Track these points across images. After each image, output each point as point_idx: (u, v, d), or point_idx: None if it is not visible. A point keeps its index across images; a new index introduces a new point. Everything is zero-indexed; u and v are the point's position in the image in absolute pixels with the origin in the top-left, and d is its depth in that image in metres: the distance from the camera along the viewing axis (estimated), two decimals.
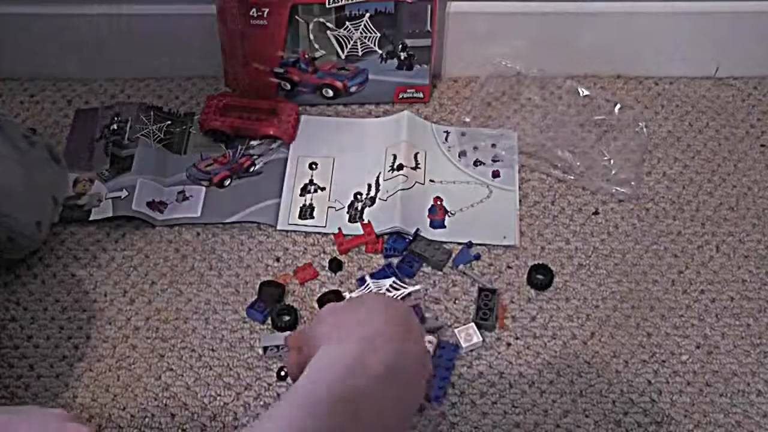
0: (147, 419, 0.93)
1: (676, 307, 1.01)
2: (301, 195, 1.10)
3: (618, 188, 1.10)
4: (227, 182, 1.11)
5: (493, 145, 1.14)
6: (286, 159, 1.13)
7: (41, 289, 1.03)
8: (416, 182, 1.10)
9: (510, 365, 0.97)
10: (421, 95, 1.19)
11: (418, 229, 1.06)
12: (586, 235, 1.07)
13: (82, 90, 1.21)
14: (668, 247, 1.06)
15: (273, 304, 1.00)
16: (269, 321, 1.00)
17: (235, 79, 1.18)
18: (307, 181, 1.12)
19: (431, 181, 1.11)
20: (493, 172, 1.12)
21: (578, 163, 1.11)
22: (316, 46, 1.13)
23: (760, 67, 1.22)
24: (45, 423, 0.69)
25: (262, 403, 0.94)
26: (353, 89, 1.18)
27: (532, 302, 1.02)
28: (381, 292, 0.98)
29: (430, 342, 0.96)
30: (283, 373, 0.96)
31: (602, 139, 1.15)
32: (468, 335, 0.97)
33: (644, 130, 1.15)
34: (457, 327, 0.98)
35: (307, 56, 1.14)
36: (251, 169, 1.12)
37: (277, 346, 0.96)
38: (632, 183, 1.10)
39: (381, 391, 0.63)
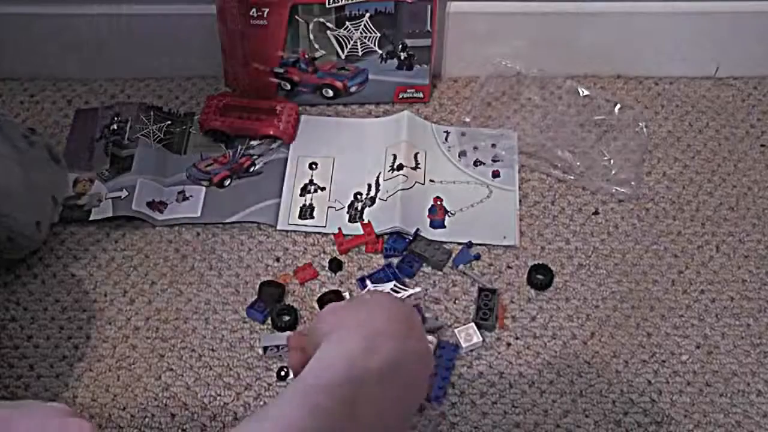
0: (147, 419, 0.93)
1: (676, 307, 1.01)
2: (301, 195, 1.10)
3: (618, 188, 1.10)
4: (227, 182, 1.11)
5: (493, 145, 1.14)
6: (286, 159, 1.13)
7: (41, 289, 1.03)
8: (416, 182, 1.10)
9: (510, 365, 0.97)
10: (421, 95, 1.19)
11: (418, 229, 1.06)
12: (586, 235, 1.07)
13: (82, 90, 1.21)
14: (668, 247, 1.06)
15: (273, 304, 1.00)
16: (269, 321, 1.00)
17: (235, 79, 1.18)
18: (307, 181, 1.12)
19: (431, 181, 1.11)
20: (493, 172, 1.12)
21: (578, 163, 1.12)
22: (316, 46, 1.13)
23: (760, 67, 1.22)
24: (46, 418, 0.69)
25: (261, 402, 0.94)
26: (353, 89, 1.18)
27: (532, 302, 1.02)
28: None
29: (430, 342, 0.96)
30: (283, 373, 0.96)
31: (602, 139, 1.15)
32: (468, 335, 0.97)
33: (644, 130, 1.15)
34: (457, 327, 0.98)
35: (307, 56, 1.14)
36: (251, 169, 1.12)
37: (277, 346, 0.96)
38: (632, 183, 1.10)
39: (381, 390, 0.63)
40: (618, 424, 0.93)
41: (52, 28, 1.17)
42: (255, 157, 1.13)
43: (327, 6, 1.09)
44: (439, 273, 1.04)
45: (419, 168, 1.12)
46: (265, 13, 1.09)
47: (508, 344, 0.98)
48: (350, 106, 1.19)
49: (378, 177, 1.11)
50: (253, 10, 1.08)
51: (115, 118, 1.16)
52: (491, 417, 0.93)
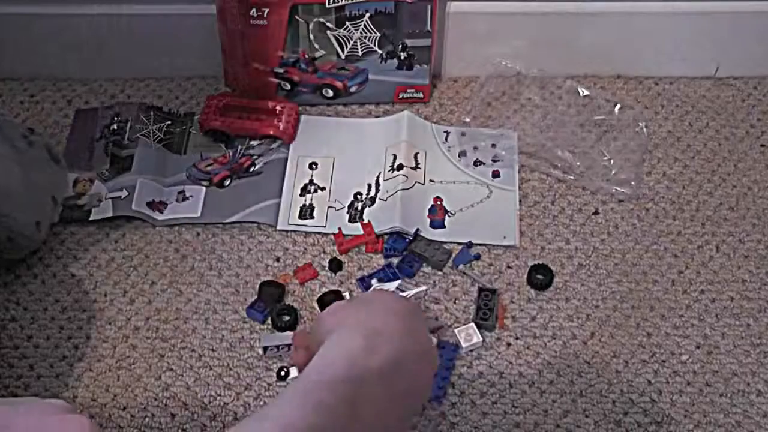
0: (147, 419, 0.93)
1: (676, 307, 1.01)
2: (301, 195, 1.10)
3: (618, 188, 1.10)
4: (227, 182, 1.11)
5: (493, 145, 1.14)
6: (286, 159, 1.13)
7: (41, 289, 1.03)
8: (416, 182, 1.10)
9: (510, 365, 0.97)
10: (421, 95, 1.19)
11: (418, 229, 1.06)
12: (586, 235, 1.07)
13: (82, 90, 1.21)
14: (668, 247, 1.06)
15: (273, 304, 1.00)
16: (269, 321, 1.00)
17: (235, 79, 1.18)
18: (307, 181, 1.12)
19: (431, 181, 1.11)
20: (493, 172, 1.12)
21: (578, 163, 1.12)
22: (316, 46, 1.13)
23: (760, 67, 1.22)
24: (45, 414, 0.69)
25: (261, 402, 0.94)
26: (353, 89, 1.18)
27: (532, 302, 1.02)
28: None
29: None
30: (283, 373, 0.96)
31: (602, 139, 1.15)
32: (468, 335, 0.97)
33: (644, 130, 1.15)
34: (457, 327, 0.98)
35: (307, 56, 1.14)
36: (251, 169, 1.12)
37: (277, 346, 0.96)
38: (632, 183, 1.10)
39: (382, 389, 0.63)
40: (618, 424, 0.93)
41: (52, 28, 1.17)
42: (255, 157, 1.13)
43: (327, 6, 1.09)
44: (439, 273, 1.04)
45: (419, 168, 1.12)
46: (265, 13, 1.09)
47: (508, 344, 0.98)
48: (350, 106, 1.19)
49: (378, 177, 1.11)
50: (253, 10, 1.08)
51: (115, 118, 1.16)
52: (491, 417, 0.93)
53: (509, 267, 1.04)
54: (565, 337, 0.99)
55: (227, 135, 1.15)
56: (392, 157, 1.12)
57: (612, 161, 1.12)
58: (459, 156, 1.13)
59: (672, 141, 1.16)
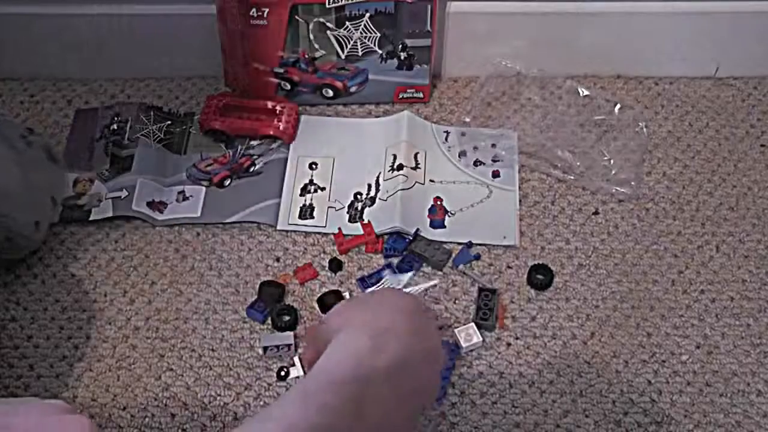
0: (147, 419, 0.93)
1: (676, 307, 1.01)
2: (301, 195, 1.10)
3: (618, 188, 1.10)
4: (227, 182, 1.11)
5: (493, 145, 1.14)
6: (286, 159, 1.13)
7: (41, 289, 1.03)
8: (416, 182, 1.10)
9: (510, 365, 0.97)
10: (421, 95, 1.19)
11: (418, 229, 1.06)
12: (586, 235, 1.07)
13: (82, 90, 1.21)
14: (668, 247, 1.06)
15: (273, 304, 1.00)
16: (269, 321, 1.00)
17: (235, 79, 1.18)
18: (307, 181, 1.12)
19: (431, 181, 1.11)
20: (493, 172, 1.12)
21: (578, 163, 1.12)
22: (316, 46, 1.13)
23: (760, 67, 1.22)
24: (45, 414, 0.69)
25: (261, 403, 0.94)
26: (353, 89, 1.18)
27: (532, 302, 1.02)
28: (399, 286, 0.97)
29: None
30: (283, 373, 0.96)
31: (602, 139, 1.15)
32: (468, 335, 0.97)
33: (644, 130, 1.15)
34: (457, 327, 0.98)
35: (307, 56, 1.14)
36: (251, 169, 1.12)
37: (277, 346, 0.96)
38: (632, 183, 1.10)
39: (388, 389, 0.63)
40: (618, 424, 0.93)
41: (52, 28, 1.17)
42: (255, 157, 1.13)
43: (327, 6, 1.09)
44: (439, 273, 1.04)
45: (419, 168, 1.12)
46: (265, 13, 1.09)
47: (508, 344, 0.98)
48: (350, 106, 1.19)
49: (378, 177, 1.11)
50: (253, 10, 1.08)
51: (115, 118, 1.16)
52: (491, 417, 0.93)
53: (509, 267, 1.04)
54: (565, 337, 0.99)
55: (227, 135, 1.15)
56: (392, 157, 1.12)
57: (612, 161, 1.12)
58: (459, 156, 1.13)
59: (672, 141, 1.16)
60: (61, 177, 1.10)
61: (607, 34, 1.18)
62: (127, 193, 1.08)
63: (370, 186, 1.11)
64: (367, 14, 1.10)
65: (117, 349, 0.98)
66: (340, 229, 1.06)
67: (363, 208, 1.09)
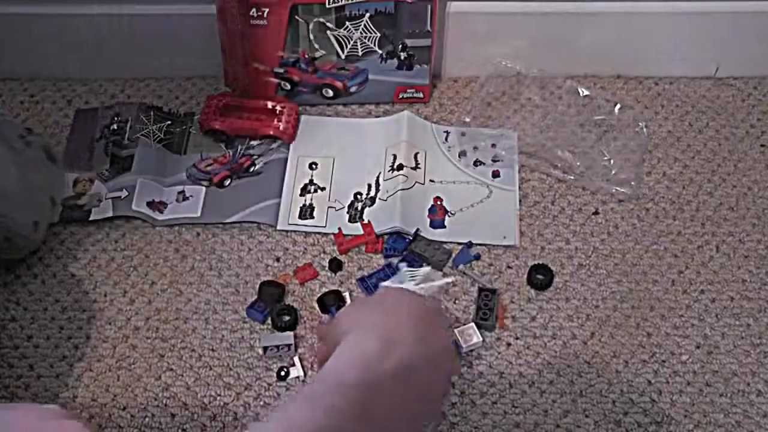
0: (147, 419, 0.93)
1: (676, 307, 1.01)
2: (301, 195, 1.10)
3: (618, 188, 1.10)
4: (227, 182, 1.11)
5: (493, 145, 1.14)
6: (286, 159, 1.13)
7: (41, 289, 1.03)
8: (416, 182, 1.10)
9: (510, 365, 0.97)
10: (421, 95, 1.19)
11: (418, 229, 1.06)
12: (586, 235, 1.07)
13: (82, 90, 1.21)
14: (668, 247, 1.06)
15: (273, 304, 1.00)
16: (269, 321, 1.00)
17: (235, 79, 1.18)
18: (307, 181, 1.12)
19: (431, 181, 1.11)
20: (493, 172, 1.12)
21: (578, 163, 1.11)
22: (316, 46, 1.13)
23: (760, 67, 1.22)
24: (43, 420, 0.69)
25: (261, 403, 0.94)
26: (353, 89, 1.18)
27: (532, 302, 1.02)
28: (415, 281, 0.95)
29: None
30: (283, 373, 0.96)
31: (602, 139, 1.15)
32: (468, 335, 0.97)
33: (644, 130, 1.15)
34: (457, 327, 0.98)
35: (307, 56, 1.14)
36: (251, 169, 1.12)
37: (277, 346, 0.96)
38: (632, 183, 1.10)
39: (396, 393, 0.63)
40: (618, 424, 0.93)
41: (52, 28, 1.17)
42: (255, 157, 1.13)
43: (327, 6, 1.09)
44: (439, 273, 1.03)
45: (419, 168, 1.12)
46: (265, 13, 1.09)
47: (508, 344, 0.98)
48: (350, 106, 1.19)
49: (378, 177, 1.11)
50: (253, 10, 1.08)
51: (115, 118, 1.16)
52: (491, 417, 0.93)
53: (509, 267, 1.04)
54: (565, 337, 0.99)
55: (227, 135, 1.15)
56: (392, 157, 1.12)
57: (612, 161, 1.12)
58: (459, 156, 1.13)
59: (672, 141, 1.16)
60: (60, 177, 1.10)
61: (607, 34, 1.18)
62: (127, 193, 1.08)
63: (370, 186, 1.11)
64: (367, 14, 1.10)
65: (117, 349, 0.98)
66: (340, 229, 1.06)
67: (363, 208, 1.09)
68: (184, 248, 1.06)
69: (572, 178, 1.11)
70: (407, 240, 1.05)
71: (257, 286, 1.02)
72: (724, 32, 1.18)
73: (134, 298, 1.02)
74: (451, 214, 1.08)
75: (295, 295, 1.02)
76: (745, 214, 1.09)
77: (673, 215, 1.09)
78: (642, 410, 0.94)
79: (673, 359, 0.97)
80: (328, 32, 1.12)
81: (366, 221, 1.07)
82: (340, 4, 1.09)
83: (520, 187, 1.11)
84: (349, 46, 1.13)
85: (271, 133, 1.14)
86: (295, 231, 1.07)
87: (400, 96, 1.19)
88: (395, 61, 1.15)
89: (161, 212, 1.08)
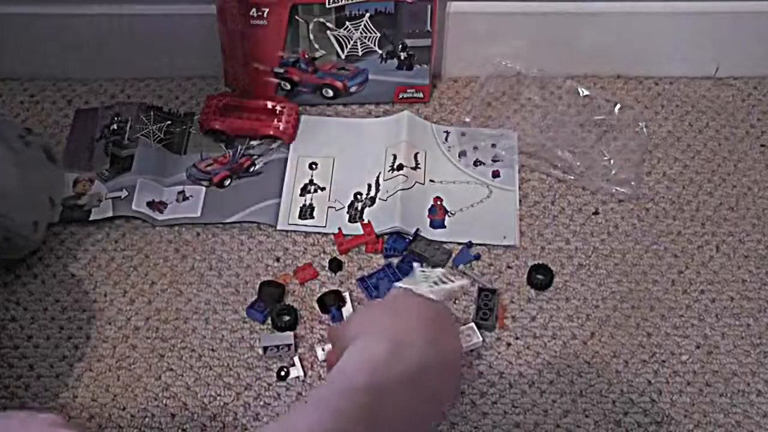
0: (147, 419, 0.93)
1: (676, 307, 1.01)
2: (301, 195, 1.10)
3: (618, 188, 1.10)
4: (227, 182, 1.11)
5: (493, 145, 1.14)
6: (286, 159, 1.13)
7: (41, 289, 1.03)
8: (416, 182, 1.10)
9: (510, 365, 0.97)
10: (421, 95, 1.19)
11: (418, 229, 1.06)
12: (586, 235, 1.07)
13: (82, 90, 1.21)
14: (668, 247, 1.06)
15: (273, 304, 1.00)
16: (269, 321, 1.00)
17: (235, 79, 1.18)
18: (307, 181, 1.12)
19: (431, 181, 1.11)
20: (493, 172, 1.12)
21: (578, 163, 1.11)
22: (316, 46, 1.13)
23: (760, 67, 1.22)
24: (42, 426, 0.69)
25: (261, 403, 0.94)
26: (353, 89, 1.18)
27: (532, 302, 1.02)
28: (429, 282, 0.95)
29: None
30: (283, 373, 0.96)
31: (602, 139, 1.15)
32: (468, 335, 0.97)
33: (644, 130, 1.15)
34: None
35: (307, 56, 1.14)
36: (251, 169, 1.12)
37: (277, 346, 0.96)
38: (632, 183, 1.10)
39: (405, 397, 0.63)
40: (618, 424, 0.93)
41: (52, 28, 1.17)
42: (255, 157, 1.13)
43: (327, 6, 1.09)
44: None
45: (419, 168, 1.12)
46: (265, 13, 1.09)
47: (508, 344, 0.98)
48: (350, 106, 1.19)
49: (378, 177, 1.11)
50: (253, 10, 1.08)
51: (115, 118, 1.16)
52: (491, 417, 0.93)
53: (509, 267, 1.04)
54: (565, 337, 0.99)
55: (227, 135, 1.15)
56: (392, 157, 1.12)
57: (612, 161, 1.12)
58: (459, 156, 1.13)
59: (672, 141, 1.16)
60: (60, 177, 1.10)
61: (607, 34, 1.18)
62: (127, 193, 1.08)
63: (370, 186, 1.11)
64: (367, 14, 1.10)
65: (117, 349, 0.98)
66: (340, 229, 1.06)
67: (363, 208, 1.09)
68: (184, 248, 1.06)
69: (572, 178, 1.11)
70: (407, 240, 1.05)
71: (257, 286, 1.02)
72: (724, 32, 1.18)
73: (134, 298, 1.02)
74: (451, 214, 1.08)
75: (295, 295, 1.02)
76: (745, 214, 1.09)
77: (673, 215, 1.09)
78: (642, 410, 0.94)
79: (673, 359, 0.97)
80: (328, 32, 1.12)
81: (366, 221, 1.07)
82: (340, 4, 1.09)
83: (520, 187, 1.11)
84: (349, 46, 1.14)
85: (271, 133, 1.14)
86: (295, 231, 1.07)
87: (400, 96, 1.19)
88: (395, 61, 1.15)
89: (161, 212, 1.08)
